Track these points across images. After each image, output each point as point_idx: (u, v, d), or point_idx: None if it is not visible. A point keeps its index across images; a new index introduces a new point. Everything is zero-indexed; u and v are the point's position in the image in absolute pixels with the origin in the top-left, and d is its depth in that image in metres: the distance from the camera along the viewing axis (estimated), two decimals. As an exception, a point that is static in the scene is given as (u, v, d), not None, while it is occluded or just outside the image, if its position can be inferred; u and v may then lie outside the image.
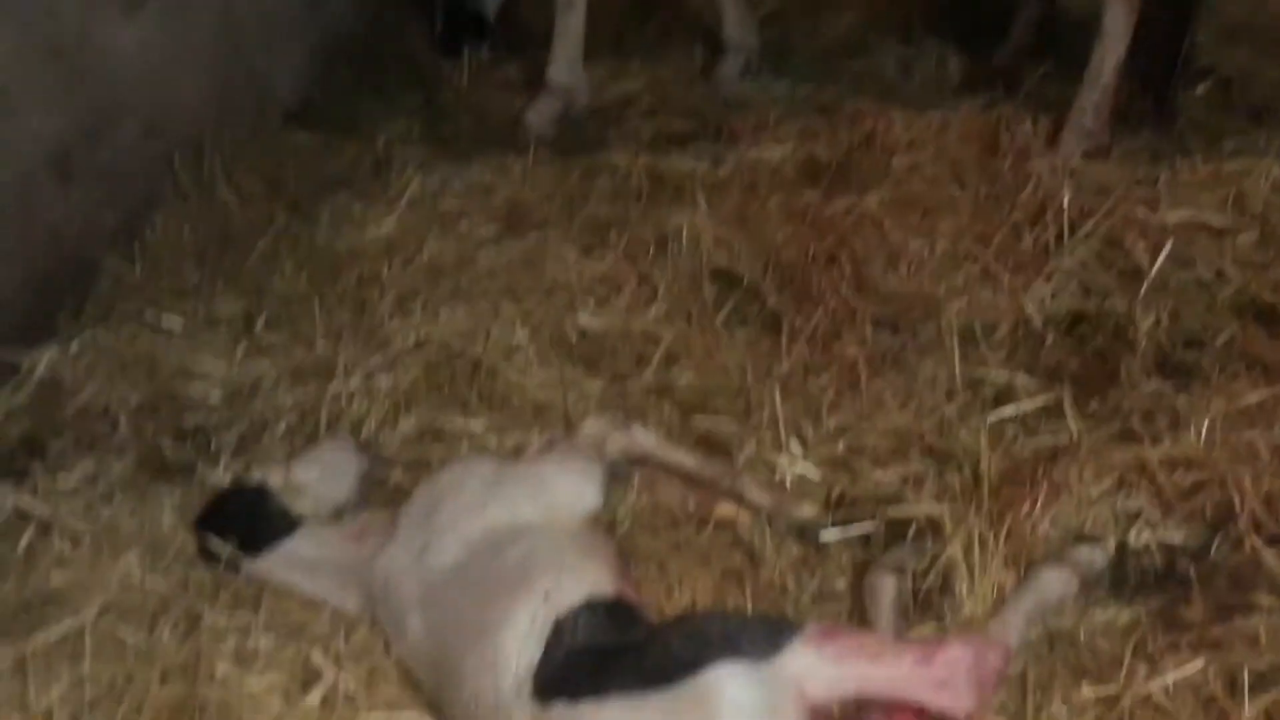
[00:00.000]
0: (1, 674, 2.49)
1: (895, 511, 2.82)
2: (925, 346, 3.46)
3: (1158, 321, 3.38)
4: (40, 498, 2.97)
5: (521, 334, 3.56)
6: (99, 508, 3.02)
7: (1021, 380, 3.28)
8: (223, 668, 2.39)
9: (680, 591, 2.75)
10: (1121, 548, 2.76)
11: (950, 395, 3.26)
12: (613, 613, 2.33)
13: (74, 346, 3.56)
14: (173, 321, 3.69)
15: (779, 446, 3.10)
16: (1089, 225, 3.68)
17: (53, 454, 3.25)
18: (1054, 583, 2.61)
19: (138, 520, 2.97)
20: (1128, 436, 3.02)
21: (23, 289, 3.60)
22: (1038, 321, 3.50)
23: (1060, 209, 3.72)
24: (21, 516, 2.95)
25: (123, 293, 3.86)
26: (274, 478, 3.00)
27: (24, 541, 2.86)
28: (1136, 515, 2.85)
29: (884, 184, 4.08)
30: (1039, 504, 2.81)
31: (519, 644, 2.27)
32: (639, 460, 3.06)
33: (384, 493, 3.17)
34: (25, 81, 3.51)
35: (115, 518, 2.98)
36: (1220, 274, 3.54)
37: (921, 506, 2.80)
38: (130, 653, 2.51)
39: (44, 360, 3.49)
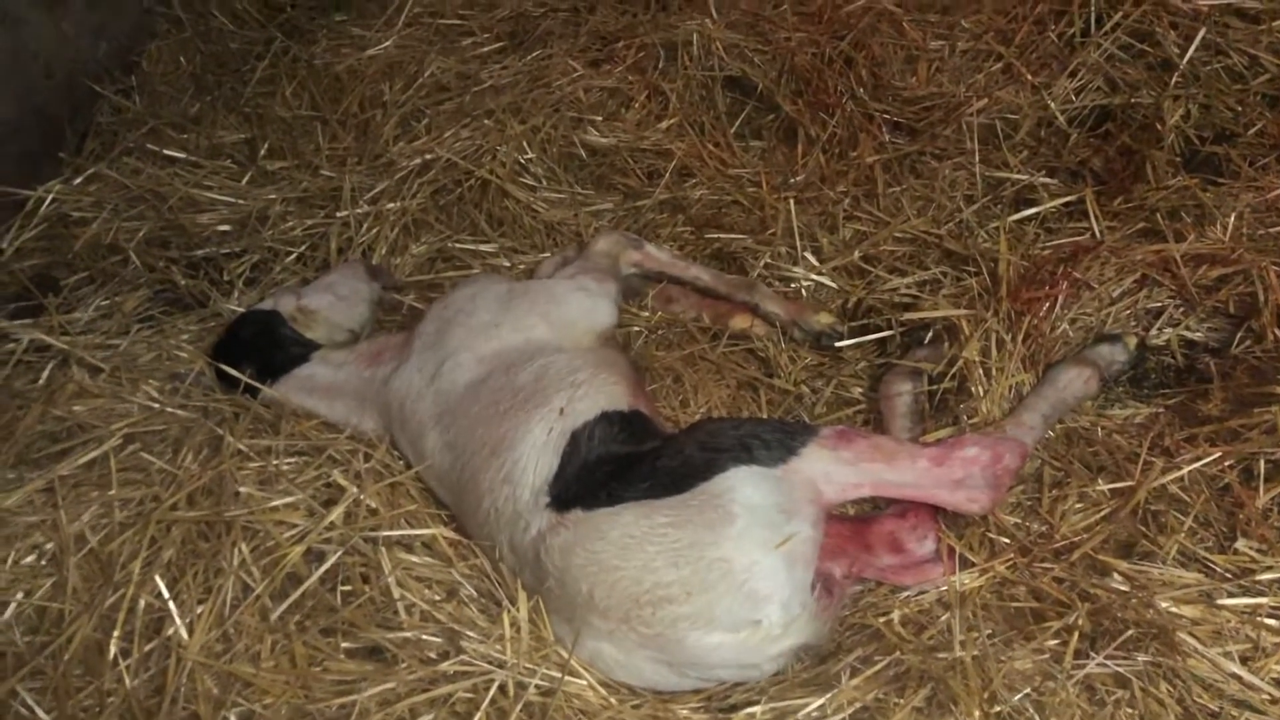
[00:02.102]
0: (33, 500, 2.54)
1: (910, 316, 2.78)
2: (944, 150, 3.35)
3: (1187, 115, 3.24)
4: (57, 332, 2.98)
5: (530, 152, 3.47)
6: (115, 340, 3.03)
7: (1043, 180, 3.19)
8: (247, 489, 2.43)
9: (696, 403, 2.76)
10: (1142, 345, 2.73)
11: (970, 199, 3.18)
12: (628, 425, 2.34)
13: (78, 181, 3.52)
14: (176, 152, 3.62)
15: (794, 257, 3.05)
16: (1116, 16, 3.49)
17: (66, 289, 3.25)
18: (1072, 381, 2.59)
19: (155, 351, 2.98)
20: (1152, 234, 2.94)
21: (20, 125, 3.54)
22: (1062, 120, 3.37)
23: (1086, 0, 3.53)
24: (40, 350, 2.96)
25: (124, 125, 3.80)
26: (285, 304, 3.00)
27: (44, 374, 2.89)
28: (1159, 313, 2.80)
29: (903, -20, 3.88)
30: (1058, 304, 2.76)
31: (535, 456, 2.29)
32: (653, 276, 3.03)
33: (397, 316, 3.18)
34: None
35: (132, 349, 2.99)
36: (1255, 62, 3.37)
37: (938, 311, 2.76)
38: (156, 477, 2.55)
39: (50, 196, 3.46)
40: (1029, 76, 3.48)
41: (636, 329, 3.00)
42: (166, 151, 3.63)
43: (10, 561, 2.43)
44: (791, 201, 3.14)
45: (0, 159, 3.43)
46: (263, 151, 3.62)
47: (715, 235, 3.21)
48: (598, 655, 2.15)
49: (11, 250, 3.37)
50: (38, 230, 3.43)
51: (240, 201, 3.47)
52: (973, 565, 2.29)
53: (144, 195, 3.47)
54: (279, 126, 3.71)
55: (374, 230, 3.35)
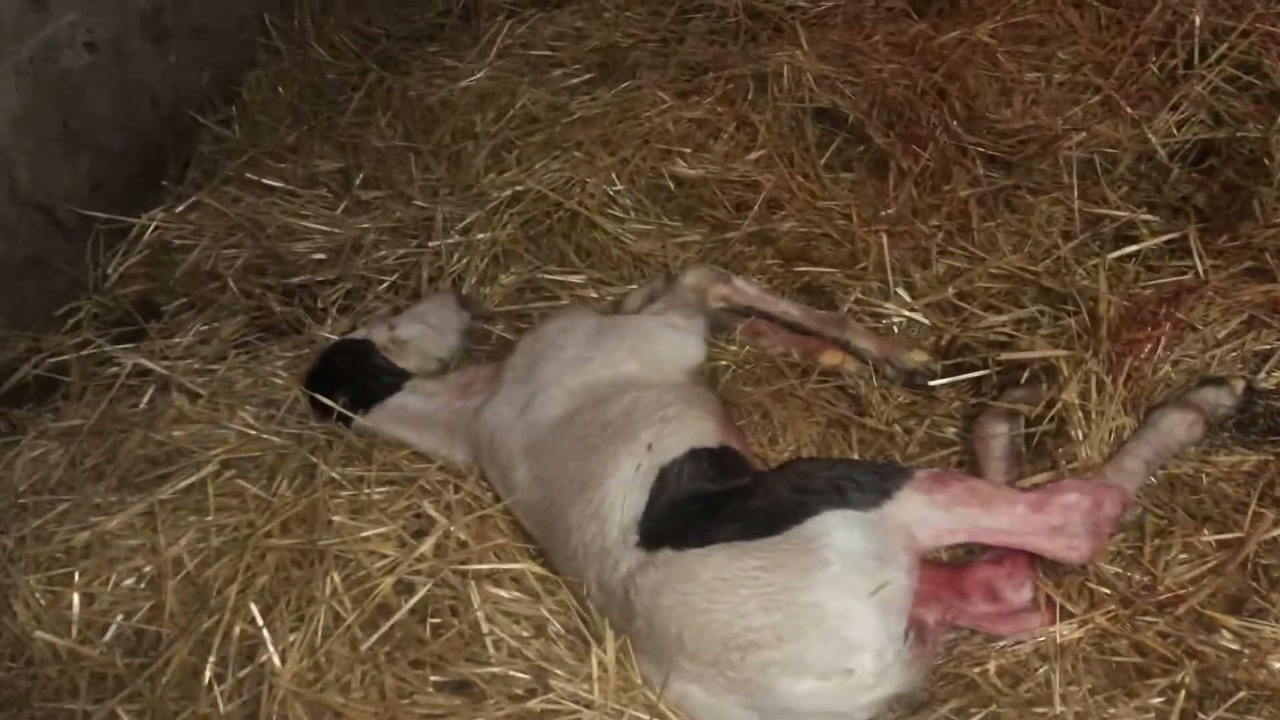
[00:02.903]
0: (133, 524, 2.61)
1: (1007, 356, 2.72)
2: (1041, 184, 3.29)
3: (1297, 149, 3.14)
4: (158, 357, 3.06)
5: (618, 184, 3.49)
6: (213, 365, 3.10)
7: (1144, 217, 3.11)
8: (339, 518, 2.46)
9: (785, 440, 2.73)
10: (1249, 389, 2.64)
11: (1067, 235, 3.11)
12: (717, 462, 2.33)
13: (180, 209, 3.62)
14: (274, 181, 3.71)
15: (886, 293, 3.01)
16: (1222, 47, 3.39)
17: (166, 315, 3.34)
18: (1176, 426, 2.51)
19: (251, 377, 3.04)
20: (1259, 273, 2.85)
21: (127, 154, 3.65)
22: (1163, 154, 3.29)
23: (1190, 30, 3.45)
24: (141, 374, 3.04)
25: (224, 154, 3.91)
26: (378, 334, 3.04)
27: (145, 399, 2.96)
28: (1267, 356, 2.71)
29: (997, 12, 3.83)
30: (1161, 345, 2.69)
31: (624, 493, 2.29)
32: (741, 310, 3.01)
33: (486, 347, 3.20)
34: (115, -60, 3.49)
35: (230, 375, 3.05)
36: (1370, 95, 3.26)
37: (1036, 350, 2.69)
38: (251, 503, 2.59)
39: (153, 223, 3.57)
40: (1129, 109, 3.40)
41: (724, 363, 2.98)
42: (265, 180, 3.71)
43: (112, 584, 2.49)
44: (884, 235, 3.10)
45: (108, 187, 3.54)
46: (357, 181, 3.69)
47: (804, 269, 3.18)
48: (685, 698, 2.13)
49: (116, 276, 3.47)
50: (141, 257, 3.52)
51: (335, 230, 3.54)
52: (1072, 616, 2.23)
53: (243, 223, 3.56)
54: (373, 156, 3.78)
55: (464, 260, 3.38)
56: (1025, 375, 2.70)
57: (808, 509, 2.12)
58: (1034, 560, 2.29)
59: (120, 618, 2.45)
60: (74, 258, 3.44)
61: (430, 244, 3.42)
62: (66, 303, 3.37)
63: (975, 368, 2.80)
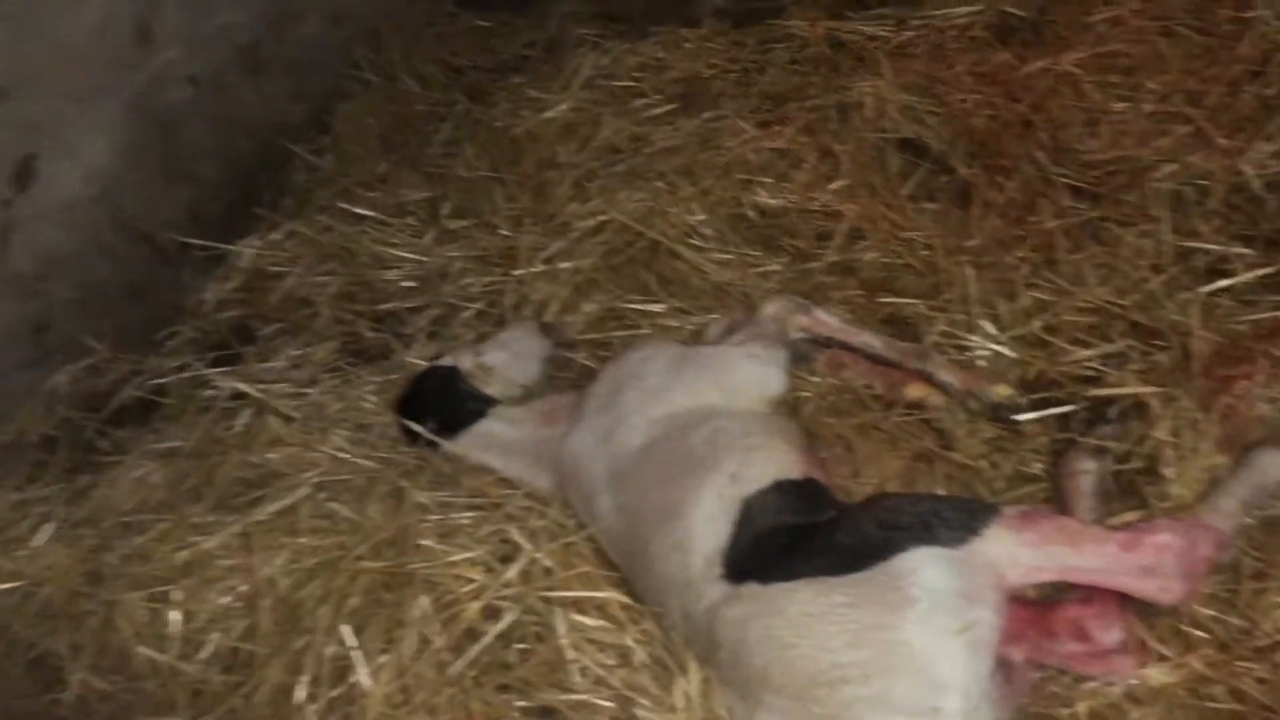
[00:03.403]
0: (229, 544, 2.69)
1: (1096, 392, 2.68)
2: (1130, 216, 3.23)
3: (1397, 182, 3.07)
4: (253, 381, 3.15)
5: (699, 214, 3.51)
6: (306, 389, 3.18)
7: (1238, 250, 3.04)
8: (428, 542, 2.51)
9: (868, 474, 2.72)
10: (1350, 428, 2.57)
11: (1157, 268, 3.04)
12: (801, 494, 2.33)
13: (275, 236, 3.74)
14: (364, 210, 3.81)
15: (970, 325, 2.99)
16: (1320, 77, 3.34)
17: (261, 339, 3.44)
18: (1272, 466, 2.45)
19: (342, 401, 3.12)
20: (1360, 308, 2.78)
21: (225, 183, 3.78)
22: (1256, 186, 3.22)
23: (1285, 59, 3.40)
24: (237, 398, 3.14)
25: (316, 183, 4.02)
26: (465, 361, 3.10)
27: (241, 421, 3.06)
28: (1369, 393, 2.64)
29: (1083, 42, 3.78)
30: (1256, 383, 2.63)
31: (707, 523, 2.30)
32: (823, 341, 3.01)
33: (569, 374, 3.25)
34: (214, -26, 3.62)
35: (321, 399, 3.14)
36: None
37: (1125, 386, 2.66)
38: (342, 526, 2.66)
39: (249, 251, 3.68)
40: (1221, 140, 3.34)
41: (805, 394, 2.98)
42: (356, 209, 3.81)
43: (209, 603, 2.57)
44: (968, 267, 3.08)
45: (206, 216, 3.67)
46: (445, 211, 3.77)
47: (887, 300, 3.17)
48: (770, 731, 2.13)
49: (213, 301, 3.59)
50: (237, 283, 3.64)
51: (423, 258, 3.62)
52: (1166, 659, 2.19)
53: (334, 251, 3.66)
54: (460, 186, 3.86)
55: (548, 289, 3.43)
56: (1114, 411, 2.66)
57: (895, 545, 2.12)
58: (1125, 601, 2.25)
59: (217, 635, 2.52)
60: (173, 283, 3.58)
61: (514, 272, 3.48)
62: (166, 327, 3.51)
63: (1062, 403, 2.77)
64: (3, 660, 2.57)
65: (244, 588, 2.60)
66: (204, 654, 2.50)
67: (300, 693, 2.35)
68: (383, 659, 2.33)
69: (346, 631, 2.37)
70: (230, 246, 3.69)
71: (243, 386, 3.12)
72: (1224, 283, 2.92)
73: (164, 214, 3.53)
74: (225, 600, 2.59)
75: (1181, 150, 3.37)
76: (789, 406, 2.88)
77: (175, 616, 2.54)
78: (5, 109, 2.92)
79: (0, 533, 2.82)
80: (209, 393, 3.18)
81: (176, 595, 2.57)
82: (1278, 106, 3.37)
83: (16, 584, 2.68)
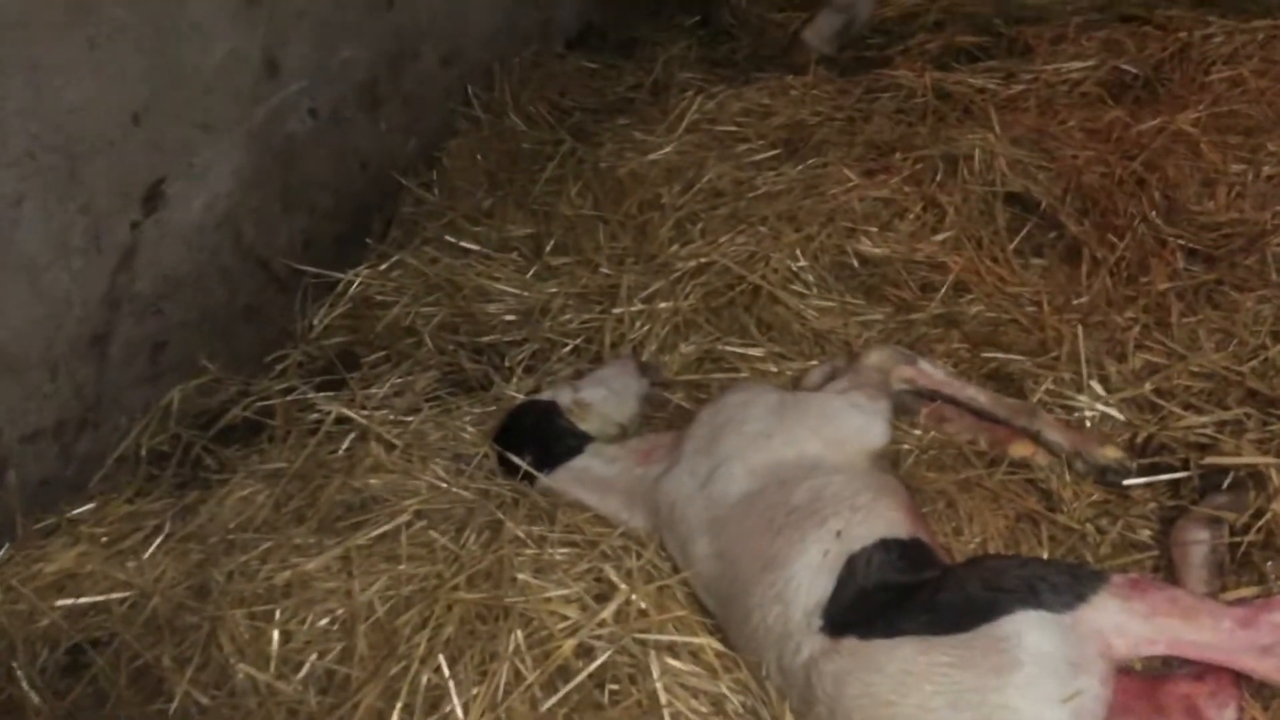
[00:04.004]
0: (329, 566, 2.73)
1: (1211, 459, 2.61)
2: (1247, 281, 3.16)
3: None
4: (357, 406, 3.22)
5: (802, 260, 3.52)
6: (407, 417, 3.24)
7: (1362, 319, 2.96)
8: (523, 576, 2.53)
9: (970, 531, 2.68)
10: None
11: (1276, 335, 2.97)
12: (906, 553, 2.30)
13: (383, 267, 3.82)
14: (470, 244, 3.88)
15: (1079, 385, 2.94)
16: None
17: (365, 367, 3.52)
18: (1397, 547, 2.36)
19: (442, 431, 3.17)
20: None
21: (337, 213, 3.89)
22: (1383, 255, 3.13)
23: None
24: (341, 423, 3.20)
25: (424, 216, 4.11)
26: (563, 396, 3.12)
27: (344, 446, 3.12)
28: None
29: (1200, 101, 3.75)
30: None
31: (809, 576, 2.28)
32: (926, 394, 2.98)
33: (664, 414, 3.26)
34: (336, 13, 3.73)
35: (422, 427, 3.18)
36: None
37: (1242, 455, 2.58)
38: (440, 555, 2.69)
39: (357, 279, 3.77)
40: (1344, 206, 3.26)
41: (907, 447, 2.95)
42: (462, 243, 3.89)
43: (308, 623, 2.61)
44: (1079, 326, 3.03)
45: (318, 244, 3.78)
46: (548, 247, 3.82)
47: (992, 355, 3.13)
48: (864, 789, 2.10)
49: (321, 327, 3.68)
50: (345, 310, 3.73)
51: (525, 293, 3.67)
52: (1281, 742, 2.11)
53: (440, 283, 3.73)
54: (563, 224, 3.92)
55: (646, 328, 3.46)
56: (1229, 480, 2.59)
57: (1000, 607, 2.07)
58: (1239, 679, 2.17)
59: (314, 657, 2.55)
60: (284, 308, 3.67)
61: (614, 310, 3.51)
62: (275, 350, 3.59)
63: (1173, 469, 2.70)
64: (109, 668, 2.63)
65: (342, 611, 2.63)
66: (301, 674, 2.53)
67: (395, 718, 2.36)
68: (476, 690, 2.34)
69: (442, 661, 2.38)
70: (340, 274, 3.78)
71: (346, 411, 3.18)
72: (1346, 352, 2.84)
73: (280, 241, 3.64)
74: (324, 622, 2.62)
75: (1302, 215, 3.30)
76: (890, 459, 2.85)
77: (275, 635, 2.58)
78: (138, 133, 3.04)
79: (112, 543, 2.90)
80: (314, 416, 3.24)
81: (277, 615, 2.61)
82: (1405, 174, 3.28)
83: (126, 594, 2.75)
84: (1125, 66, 4.05)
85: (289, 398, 3.35)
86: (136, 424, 3.24)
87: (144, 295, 3.18)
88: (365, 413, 3.20)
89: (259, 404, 3.35)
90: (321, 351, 3.60)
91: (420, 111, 4.24)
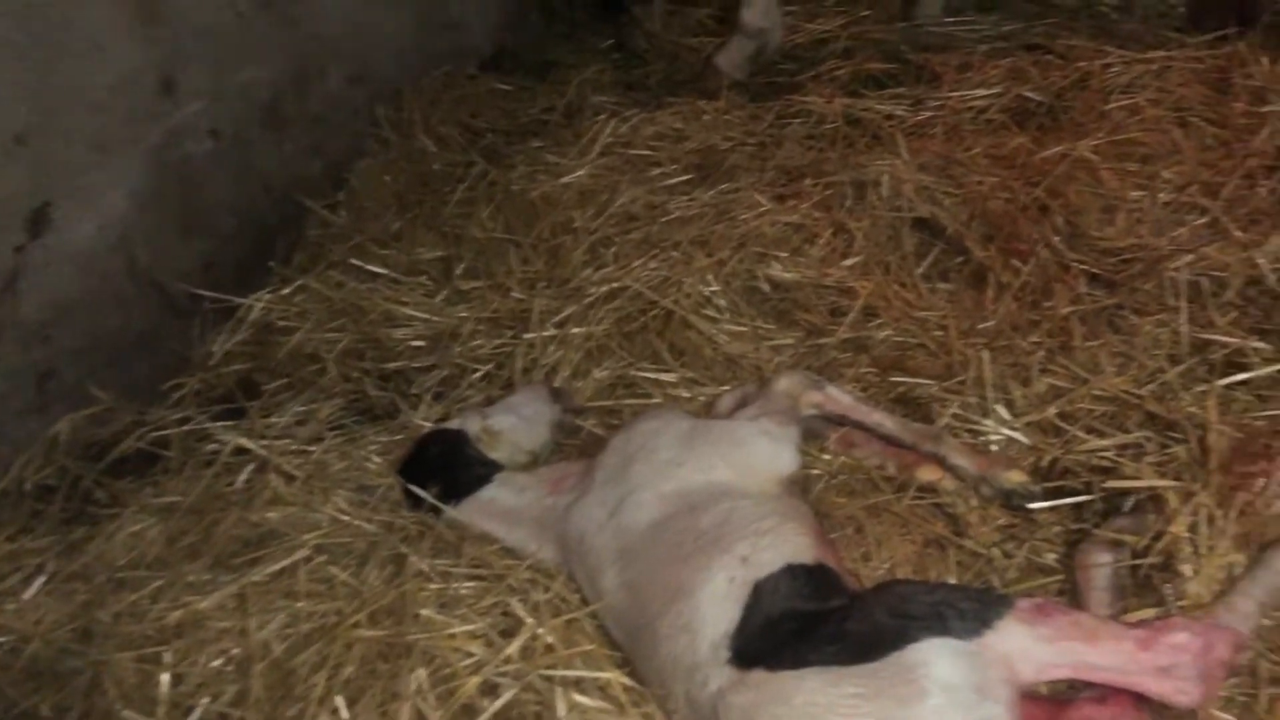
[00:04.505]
0: (225, 604, 2.63)
1: (1113, 483, 2.64)
2: (1146, 305, 3.22)
3: None
4: (256, 436, 3.12)
5: (714, 285, 3.51)
6: (309, 447, 3.15)
7: (1254, 344, 3.02)
8: (427, 612, 2.46)
9: (879, 557, 2.68)
10: (1369, 530, 2.52)
11: (1174, 359, 3.02)
12: (813, 579, 2.28)
13: (286, 291, 3.73)
14: (378, 267, 3.80)
15: (985, 409, 2.96)
16: (1335, 173, 3.34)
17: (266, 395, 3.41)
18: (1290, 567, 2.40)
19: (346, 461, 3.09)
20: (1378, 409, 2.75)
21: (239, 236, 3.79)
22: (1273, 279, 3.21)
23: (1301, 156, 3.41)
24: (240, 454, 3.10)
25: (330, 239, 4.03)
26: (471, 424, 3.06)
27: (242, 478, 3.02)
28: (1387, 496, 2.59)
29: (1100, 129, 3.82)
30: (1275, 480, 2.58)
31: (716, 606, 2.24)
32: (834, 419, 2.98)
33: (577, 441, 3.21)
34: (238, 32, 3.64)
35: (325, 457, 3.10)
36: None
37: (1142, 479, 2.62)
38: (341, 591, 2.61)
39: (259, 305, 3.67)
40: (1237, 233, 3.34)
41: (816, 472, 2.94)
42: (369, 266, 3.81)
43: (200, 665, 2.51)
44: (985, 351, 3.06)
45: (218, 268, 3.67)
46: (458, 271, 3.77)
47: (900, 379, 3.14)
48: (773, 824, 2.06)
49: (220, 354, 3.57)
50: (245, 336, 3.62)
51: (434, 318, 3.61)
52: (1181, 764, 2.13)
53: (345, 308, 3.65)
54: (474, 247, 3.86)
55: (558, 354, 3.41)
56: (1130, 504, 2.62)
57: (908, 635, 2.06)
58: (1140, 701, 2.19)
59: (207, 700, 2.45)
60: (182, 335, 3.56)
61: (526, 336, 3.47)
62: (172, 378, 3.48)
63: (1077, 492, 2.73)
64: (-15, 718, 2.50)
65: (237, 651, 2.54)
66: (192, 719, 2.43)
67: (290, 763, 2.28)
68: (376, 732, 2.27)
69: (340, 702, 2.30)
70: (241, 299, 3.68)
71: (245, 442, 3.08)
72: (1241, 376, 2.90)
73: (178, 265, 3.53)
74: (217, 663, 2.53)
75: (1198, 241, 3.37)
76: (800, 484, 2.84)
77: (165, 679, 2.47)
78: (24, 154, 2.92)
79: (-9, 584, 2.77)
80: (211, 447, 3.14)
81: (167, 656, 2.51)
82: (1294, 201, 3.38)
83: (3, 639, 2.62)
84: (1029, 94, 4.12)
85: (185, 428, 3.24)
86: (20, 457, 3.09)
87: (29, 321, 3.05)
88: (265, 443, 3.11)
89: (153, 434, 3.24)
90: (220, 379, 3.49)
91: (326, 132, 4.16)
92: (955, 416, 2.97)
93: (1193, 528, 2.47)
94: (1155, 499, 2.58)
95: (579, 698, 2.29)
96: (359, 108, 4.37)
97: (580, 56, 5.06)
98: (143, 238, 3.35)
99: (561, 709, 2.24)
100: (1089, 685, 2.24)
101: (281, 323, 3.64)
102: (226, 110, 3.62)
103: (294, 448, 3.13)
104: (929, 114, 4.11)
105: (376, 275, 3.79)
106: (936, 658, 2.03)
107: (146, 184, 3.32)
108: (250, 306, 3.68)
